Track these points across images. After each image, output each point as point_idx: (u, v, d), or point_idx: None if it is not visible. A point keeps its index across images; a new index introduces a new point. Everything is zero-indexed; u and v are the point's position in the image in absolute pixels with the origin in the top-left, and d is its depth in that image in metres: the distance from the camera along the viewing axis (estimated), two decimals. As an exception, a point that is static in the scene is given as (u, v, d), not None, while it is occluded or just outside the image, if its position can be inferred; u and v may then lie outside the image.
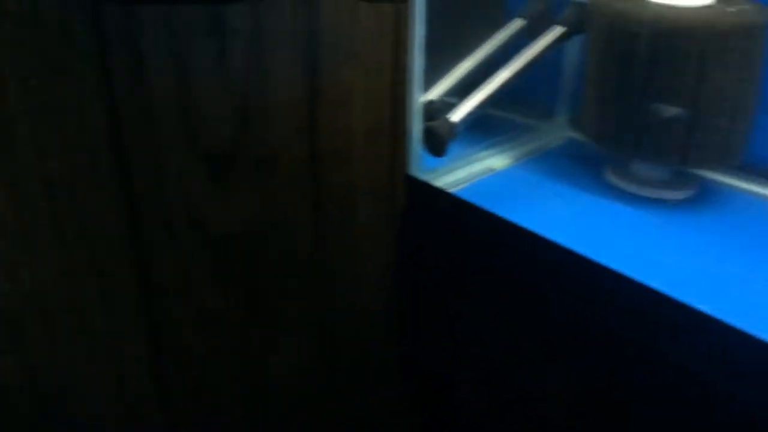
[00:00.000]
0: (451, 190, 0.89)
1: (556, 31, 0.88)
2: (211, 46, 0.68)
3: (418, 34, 0.82)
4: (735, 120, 0.77)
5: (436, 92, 0.91)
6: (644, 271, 0.70)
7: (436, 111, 0.89)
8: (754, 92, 0.77)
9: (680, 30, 0.72)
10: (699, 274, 0.70)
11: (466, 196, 0.88)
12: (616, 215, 0.82)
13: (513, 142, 0.99)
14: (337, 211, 0.86)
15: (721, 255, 0.74)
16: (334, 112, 0.81)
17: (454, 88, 0.92)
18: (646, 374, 0.73)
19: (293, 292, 0.86)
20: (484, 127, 1.03)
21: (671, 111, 0.75)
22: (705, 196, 0.86)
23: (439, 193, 0.90)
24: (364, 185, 0.89)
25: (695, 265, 0.72)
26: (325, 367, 0.95)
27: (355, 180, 0.87)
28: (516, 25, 0.93)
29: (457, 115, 0.87)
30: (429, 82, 0.93)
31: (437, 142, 0.87)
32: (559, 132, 1.02)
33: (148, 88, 0.66)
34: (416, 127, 0.88)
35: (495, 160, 0.96)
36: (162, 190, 0.70)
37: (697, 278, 0.70)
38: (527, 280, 0.87)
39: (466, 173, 0.93)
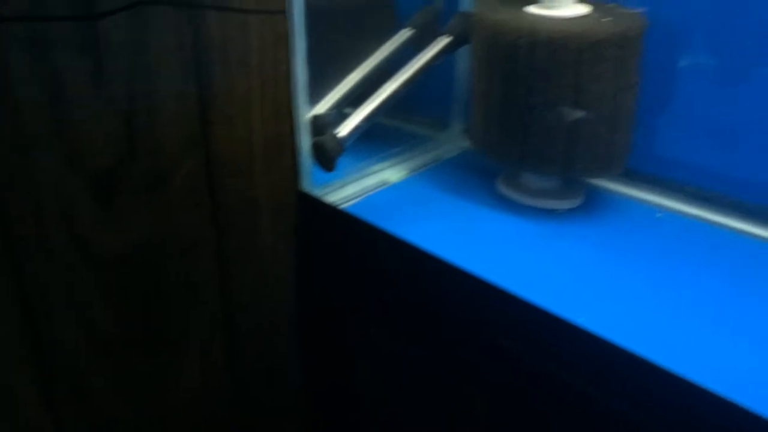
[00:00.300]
0: (343, 206, 0.87)
1: (442, 42, 0.87)
2: (86, 62, 0.65)
3: (299, 47, 0.80)
4: (615, 128, 0.77)
5: (324, 105, 0.89)
6: (523, 286, 0.69)
7: (325, 125, 0.87)
8: (633, 100, 0.78)
9: (555, 40, 0.72)
10: (578, 287, 0.70)
11: (357, 212, 0.86)
12: (505, 227, 0.82)
13: (408, 153, 0.98)
14: (240, 228, 0.84)
15: (601, 266, 0.74)
16: (229, 125, 0.79)
17: (345, 101, 0.90)
18: (536, 393, 0.73)
19: (195, 314, 0.83)
20: (381, 139, 1.01)
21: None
22: (593, 204, 0.86)
23: (331, 209, 0.88)
24: (268, 200, 0.86)
25: (575, 279, 0.71)
26: (231, 392, 0.91)
27: (258, 194, 0.84)
28: (404, 35, 0.91)
29: (345, 129, 0.85)
30: (322, 95, 0.91)
31: (325, 157, 0.85)
32: (454, 142, 1.01)
33: (18, 109, 0.62)
34: (305, 141, 0.85)
35: (390, 173, 0.94)
36: (41, 214, 0.66)
37: (577, 292, 0.69)
38: (418, 297, 0.86)
39: (360, 187, 0.91)
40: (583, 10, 0.77)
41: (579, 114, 0.74)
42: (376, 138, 1.01)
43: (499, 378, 0.77)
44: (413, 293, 0.87)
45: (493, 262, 0.74)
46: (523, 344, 0.73)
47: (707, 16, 0.78)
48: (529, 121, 0.77)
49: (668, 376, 0.58)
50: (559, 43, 0.72)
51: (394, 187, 0.92)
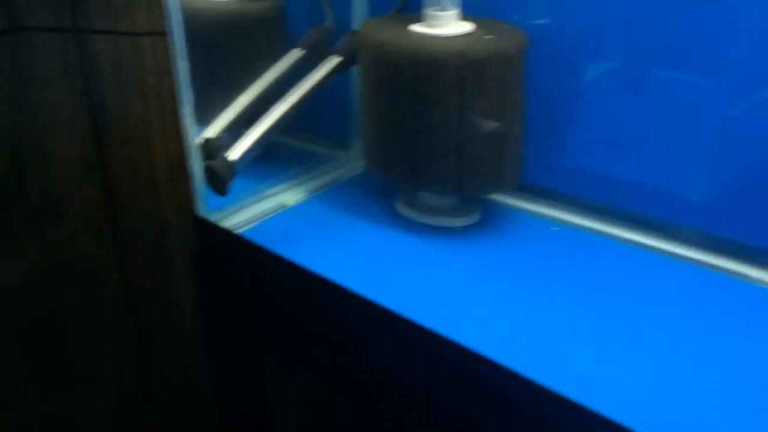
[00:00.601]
0: (239, 231, 0.85)
1: (332, 61, 0.86)
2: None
3: (181, 69, 0.78)
4: (503, 145, 0.77)
5: (215, 129, 0.86)
6: (417, 309, 0.69)
7: (216, 148, 0.85)
8: (519, 117, 0.78)
9: (437, 60, 0.71)
10: (472, 309, 0.69)
11: (253, 237, 0.84)
12: (401, 248, 0.81)
13: (308, 174, 0.96)
14: (145, 251, 0.81)
15: (494, 284, 0.73)
16: (128, 149, 0.76)
17: (237, 123, 0.88)
18: (442, 425, 0.72)
19: (102, 346, 0.79)
20: (280, 160, 0.99)
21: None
22: (490, 219, 0.86)
23: (226, 234, 0.85)
24: (174, 222, 0.84)
25: (468, 300, 0.71)
26: (144, 414, 0.88)
27: (164, 217, 0.82)
28: (295, 55, 0.90)
29: (236, 152, 0.83)
30: (215, 117, 0.88)
31: (217, 181, 0.83)
32: (355, 162, 0.99)
33: None
34: (197, 165, 0.83)
35: (288, 196, 0.92)
36: None
37: (470, 315, 0.69)
38: (317, 323, 0.84)
39: (257, 211, 0.89)
40: (467, 27, 0.76)
41: (465, 134, 0.74)
42: (275, 159, 0.99)
43: (400, 406, 0.76)
44: (311, 319, 0.85)
45: (387, 284, 0.73)
46: (418, 368, 0.72)
47: (600, 27, 0.78)
48: (417, 140, 0.76)
49: (568, 403, 0.58)
50: (440, 63, 0.71)
51: (292, 210, 0.90)
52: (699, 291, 0.72)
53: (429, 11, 0.76)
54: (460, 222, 0.84)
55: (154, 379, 0.89)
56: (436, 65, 0.71)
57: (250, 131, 0.84)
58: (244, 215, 0.88)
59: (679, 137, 0.77)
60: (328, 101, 0.96)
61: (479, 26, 0.77)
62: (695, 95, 0.74)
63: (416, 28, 0.77)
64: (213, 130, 0.86)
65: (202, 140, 0.84)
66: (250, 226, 0.86)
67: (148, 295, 0.84)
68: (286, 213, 0.89)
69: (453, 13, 0.76)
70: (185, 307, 0.90)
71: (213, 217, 0.86)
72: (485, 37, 0.75)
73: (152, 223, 0.81)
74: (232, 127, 0.87)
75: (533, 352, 0.63)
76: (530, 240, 0.82)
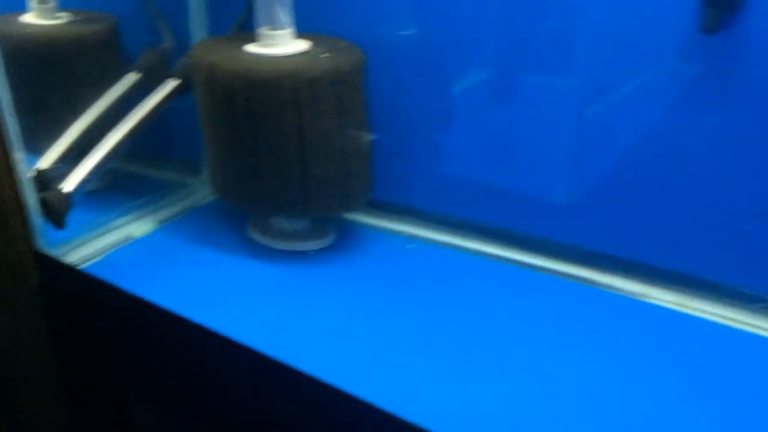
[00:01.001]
0: (82, 266, 0.79)
1: (169, 85, 0.82)
2: None
3: (3, 98, 0.72)
4: (348, 165, 0.75)
5: (48, 159, 0.81)
6: (268, 341, 0.66)
7: (50, 180, 0.79)
8: (362, 136, 0.76)
9: (270, 81, 0.69)
10: (316, 336, 0.67)
11: (96, 272, 0.79)
12: (252, 276, 0.78)
13: (157, 203, 0.91)
14: None
15: (341, 308, 0.72)
16: None
17: (72, 152, 0.82)
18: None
19: None
20: (128, 189, 0.94)
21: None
22: (346, 240, 0.84)
23: (68, 270, 0.80)
24: (12, 261, 0.78)
25: (319, 329, 0.69)
26: None
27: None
28: (130, 79, 0.85)
29: (70, 183, 0.78)
30: (48, 147, 0.82)
31: (52, 214, 0.77)
32: (207, 188, 0.95)
33: None
34: (31, 198, 0.77)
35: (135, 227, 0.87)
36: None
37: (315, 341, 0.66)
38: (171, 356, 0.80)
39: (102, 244, 0.84)
40: (303, 46, 0.74)
41: (307, 156, 0.72)
42: (122, 188, 0.94)
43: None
44: (166, 354, 0.81)
45: (233, 314, 0.70)
46: (269, 399, 0.70)
47: (466, 37, 0.77)
48: (258, 163, 0.73)
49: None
50: (274, 83, 0.69)
51: (140, 242, 0.85)
52: (556, 303, 0.73)
53: (262, 30, 0.74)
54: (313, 245, 0.82)
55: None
56: (269, 86, 0.69)
57: (84, 161, 0.79)
58: (88, 249, 0.82)
59: (535, 146, 0.77)
60: (176, 125, 0.92)
61: (316, 44, 0.76)
62: (549, 101, 0.74)
63: (250, 48, 0.74)
64: (46, 161, 0.80)
65: (35, 172, 0.78)
66: (95, 260, 0.81)
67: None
68: (134, 245, 0.84)
69: (287, 32, 0.74)
70: (36, 349, 0.83)
71: (54, 252, 0.81)
72: (321, 55, 0.73)
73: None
74: (66, 157, 0.82)
75: (389, 381, 0.61)
76: (384, 259, 0.81)
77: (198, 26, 0.89)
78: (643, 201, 0.72)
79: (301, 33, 0.77)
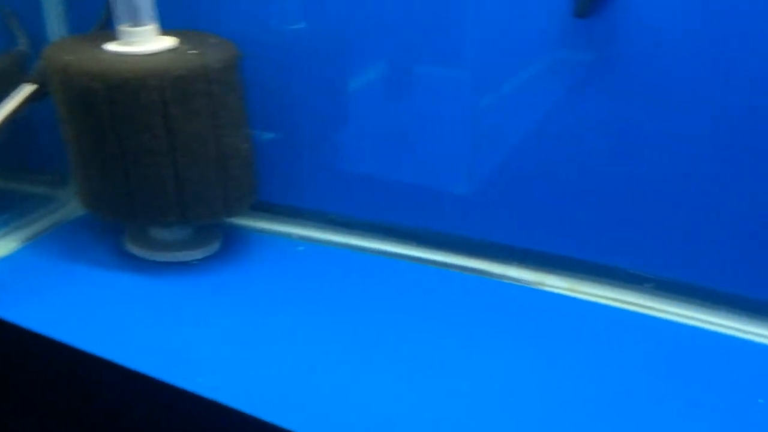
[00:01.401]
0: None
1: (24, 91, 0.74)
2: None
3: None
4: (226, 167, 0.70)
5: None
6: (139, 357, 0.62)
7: None
8: (241, 135, 0.72)
9: (131, 81, 0.63)
10: (198, 350, 0.63)
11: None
12: (131, 291, 0.72)
13: (19, 219, 0.84)
14: None
15: (225, 320, 0.67)
16: None
17: None
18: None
19: None
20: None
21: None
22: (233, 246, 0.80)
23: None
24: None
25: (198, 340, 0.64)
26: None
27: None
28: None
29: None
30: None
31: None
32: (77, 200, 0.88)
33: None
34: None
35: (-4, 247, 0.80)
36: None
37: (196, 357, 0.62)
38: (47, 378, 0.73)
39: (-41, 269, 0.76)
40: (169, 43, 0.69)
41: (179, 160, 0.67)
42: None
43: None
44: (39, 383, 0.74)
45: (116, 336, 0.65)
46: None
47: (352, 30, 0.74)
48: (127, 171, 0.68)
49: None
50: (136, 84, 0.64)
51: (3, 263, 0.78)
52: (452, 297, 0.71)
53: (123, 27, 0.68)
54: (196, 254, 0.77)
55: None
56: (131, 87, 0.64)
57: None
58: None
59: (424, 139, 0.75)
60: (39, 133, 0.85)
61: (184, 41, 0.70)
62: (436, 94, 0.73)
63: (110, 46, 0.68)
64: None
65: None
66: (-47, 286, 0.73)
67: None
68: (-3, 266, 0.77)
69: (150, 28, 0.69)
70: None
71: None
72: (189, 52, 0.68)
73: None
74: None
75: (283, 398, 0.57)
76: (274, 263, 0.77)
77: (56, 27, 0.83)
78: (535, 189, 0.71)
79: (167, 30, 0.72)
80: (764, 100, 0.59)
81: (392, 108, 0.76)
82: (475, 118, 0.72)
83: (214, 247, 0.78)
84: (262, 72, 0.77)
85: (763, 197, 0.62)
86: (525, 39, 0.66)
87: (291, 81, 0.78)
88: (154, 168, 0.67)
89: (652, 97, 0.63)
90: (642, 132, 0.64)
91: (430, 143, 0.75)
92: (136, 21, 0.68)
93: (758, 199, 0.62)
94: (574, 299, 0.71)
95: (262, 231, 0.83)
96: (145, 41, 0.68)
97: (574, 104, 0.66)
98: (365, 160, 0.79)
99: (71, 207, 0.88)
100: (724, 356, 0.62)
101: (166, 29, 0.72)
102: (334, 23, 0.74)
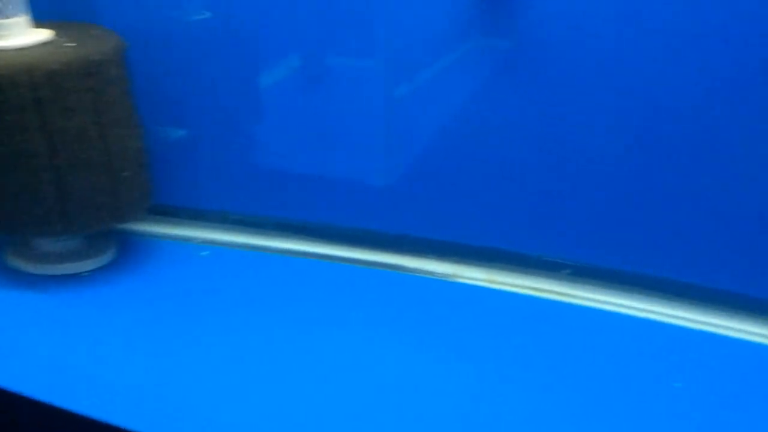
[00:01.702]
0: None
1: None
2: None
3: None
4: (114, 170, 0.65)
5: None
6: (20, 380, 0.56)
7: None
8: (131, 133, 0.66)
9: (-1, 77, 0.57)
10: (84, 370, 0.58)
11: None
12: (17, 309, 0.67)
13: None
14: None
15: (115, 337, 0.62)
16: None
17: None
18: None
19: None
20: None
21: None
22: (129, 255, 0.74)
23: None
24: None
25: (84, 360, 0.59)
26: None
27: None
28: None
29: None
30: None
31: None
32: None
33: None
34: None
35: None
36: None
37: (83, 377, 0.57)
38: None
39: None
40: (43, 36, 0.63)
41: (61, 163, 0.61)
42: None
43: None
44: None
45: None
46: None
47: (256, 21, 0.70)
48: (2, 177, 0.61)
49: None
50: (4, 81, 0.57)
51: None
52: (366, 294, 0.69)
53: (-11, 20, 0.62)
54: (87, 265, 0.71)
55: None
56: (1, 85, 0.57)
57: None
58: None
59: (334, 132, 0.72)
60: None
61: (60, 33, 0.64)
62: (349, 86, 0.70)
63: (-24, 41, 0.62)
64: None
65: None
66: None
67: None
68: None
69: (20, 20, 0.62)
70: None
71: None
72: (66, 44, 0.62)
73: None
74: None
75: (190, 416, 0.53)
76: (175, 271, 0.72)
77: None
78: (450, 180, 0.69)
79: (42, 21, 0.65)
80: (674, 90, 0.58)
81: (300, 101, 0.72)
82: (389, 110, 0.70)
83: (107, 256, 0.72)
84: (158, 65, 0.72)
85: (669, 181, 0.62)
86: (437, 28, 0.65)
87: (190, 75, 0.74)
88: (31, 173, 0.61)
89: (566, 86, 0.62)
90: (555, 120, 0.63)
91: (341, 136, 0.72)
92: (5, 13, 0.61)
93: (664, 183, 0.62)
94: (492, 290, 0.69)
95: (161, 236, 0.78)
96: (14, 34, 0.62)
97: (488, 94, 0.65)
98: (271, 155, 0.76)
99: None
100: (640, 340, 0.62)
101: (41, 21, 0.66)
102: (237, 14, 0.70)
